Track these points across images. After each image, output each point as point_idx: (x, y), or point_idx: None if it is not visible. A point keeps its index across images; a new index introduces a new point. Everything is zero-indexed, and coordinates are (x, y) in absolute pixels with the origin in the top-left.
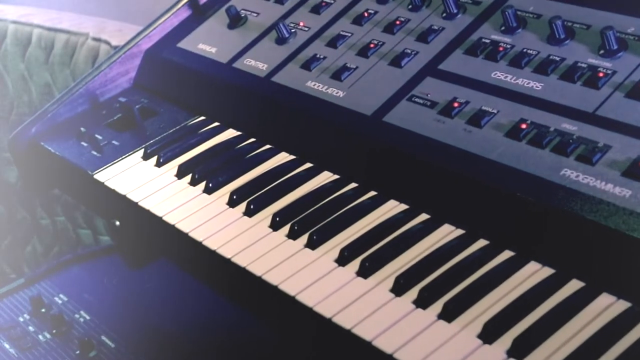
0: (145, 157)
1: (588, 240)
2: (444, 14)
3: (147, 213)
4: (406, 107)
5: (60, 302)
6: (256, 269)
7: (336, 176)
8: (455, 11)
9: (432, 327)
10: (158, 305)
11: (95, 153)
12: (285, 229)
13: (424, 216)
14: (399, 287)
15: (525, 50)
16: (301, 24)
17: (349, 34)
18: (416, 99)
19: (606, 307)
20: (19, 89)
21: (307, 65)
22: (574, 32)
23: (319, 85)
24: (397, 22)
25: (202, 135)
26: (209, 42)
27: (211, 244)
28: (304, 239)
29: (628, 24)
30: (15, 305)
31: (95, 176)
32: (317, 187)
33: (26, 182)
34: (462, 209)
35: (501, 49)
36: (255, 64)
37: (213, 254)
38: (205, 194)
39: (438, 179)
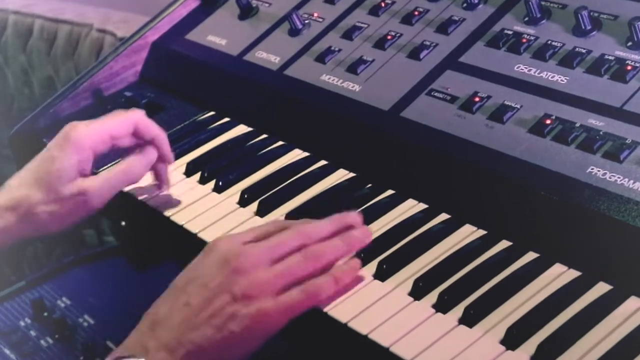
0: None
1: (615, 242)
2: (465, 4)
3: (154, 212)
4: (425, 101)
5: (63, 305)
6: None
7: (352, 174)
8: (476, 1)
9: (453, 333)
10: None
11: None
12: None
13: (444, 216)
14: (418, 290)
15: (549, 42)
16: (315, 14)
17: (365, 25)
18: (435, 93)
19: (635, 310)
20: (20, 82)
21: (321, 58)
22: (600, 23)
23: (333, 79)
24: (416, 13)
25: (212, 131)
26: (219, 34)
27: None
28: None
29: None
30: (16, 309)
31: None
32: (331, 185)
33: None
34: (484, 208)
35: (524, 40)
36: (267, 56)
37: None
38: (215, 193)
39: (458, 177)
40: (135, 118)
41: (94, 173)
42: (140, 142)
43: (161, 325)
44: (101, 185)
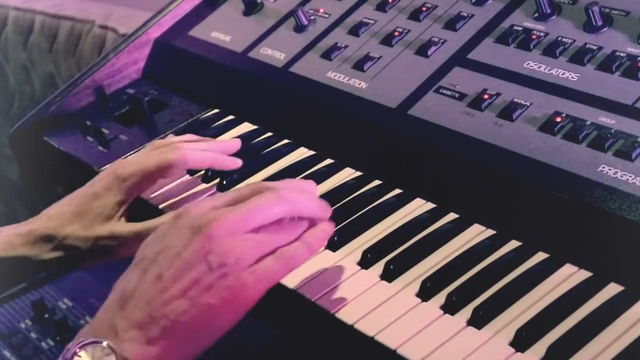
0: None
1: (627, 242)
2: (473, 0)
3: (158, 212)
4: (433, 99)
5: (64, 306)
6: None
7: (358, 173)
8: None
9: (461, 334)
10: None
11: (101, 148)
12: None
13: (452, 216)
14: (426, 291)
15: (560, 38)
16: (321, 10)
17: (372, 21)
18: (444, 91)
19: None
20: (21, 80)
21: (327, 55)
22: (612, 19)
23: (340, 76)
24: (424, 9)
25: (216, 129)
26: (223, 30)
27: None
28: None
29: None
30: (17, 310)
31: None
32: (338, 184)
33: (28, 179)
34: (493, 208)
35: (534, 37)
36: (272, 53)
37: None
38: (219, 192)
39: (467, 176)
40: (182, 157)
41: None
42: None
43: (131, 301)
44: (128, 231)
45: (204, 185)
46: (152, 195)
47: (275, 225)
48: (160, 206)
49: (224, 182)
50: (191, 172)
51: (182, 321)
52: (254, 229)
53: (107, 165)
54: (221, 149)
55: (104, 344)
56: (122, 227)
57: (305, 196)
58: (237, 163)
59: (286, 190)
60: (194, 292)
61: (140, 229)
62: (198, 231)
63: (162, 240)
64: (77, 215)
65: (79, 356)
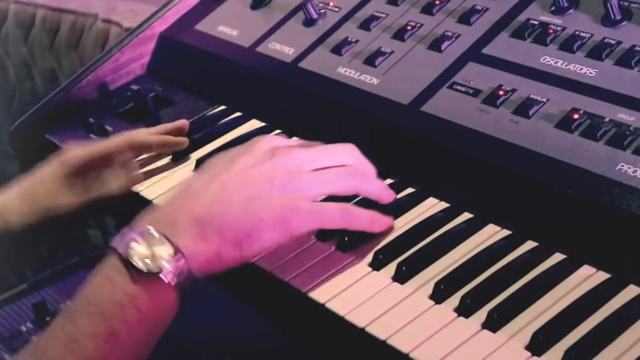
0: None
1: None
2: None
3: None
4: (446, 95)
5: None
6: (282, 274)
7: None
8: None
9: (476, 338)
10: None
11: None
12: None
13: (466, 215)
14: (439, 293)
15: (577, 32)
16: (331, 4)
17: (384, 15)
18: (457, 87)
19: None
20: (21, 75)
21: (337, 50)
22: (631, 12)
23: (350, 72)
24: (437, 2)
25: (223, 126)
26: (230, 24)
27: None
28: (334, 241)
29: None
30: (17, 312)
31: None
32: None
33: None
34: (508, 207)
35: (551, 31)
36: (281, 48)
37: None
38: None
39: (481, 174)
40: (126, 139)
41: None
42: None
43: (195, 199)
44: (76, 201)
45: None
46: (155, 195)
47: (345, 168)
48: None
49: None
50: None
51: (236, 226)
52: (319, 170)
53: None
54: (169, 129)
55: (160, 233)
56: (67, 198)
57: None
58: (184, 143)
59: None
60: (253, 204)
61: (88, 197)
62: (268, 154)
63: (234, 157)
64: (20, 197)
65: (136, 241)
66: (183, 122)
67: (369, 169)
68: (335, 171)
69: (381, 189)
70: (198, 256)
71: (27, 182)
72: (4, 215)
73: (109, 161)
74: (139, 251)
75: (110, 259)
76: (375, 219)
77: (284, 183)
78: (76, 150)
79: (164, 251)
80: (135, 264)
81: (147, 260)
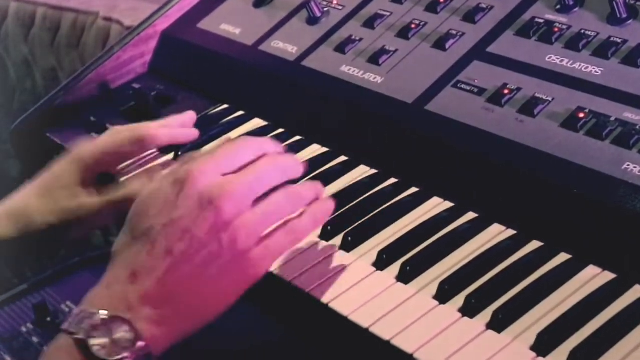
0: (161, 150)
1: None
2: None
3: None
4: (451, 94)
5: (67, 310)
6: (286, 274)
7: (374, 170)
8: None
9: (480, 338)
10: None
11: None
12: (318, 229)
13: (470, 215)
14: (444, 293)
15: (583, 31)
16: (335, 2)
17: (388, 13)
18: (462, 86)
19: None
20: (22, 74)
21: (341, 48)
22: (637, 11)
23: (354, 70)
24: (441, 0)
25: (225, 125)
26: (233, 22)
27: None
28: (337, 240)
29: None
30: (18, 313)
31: None
32: (352, 182)
33: (29, 176)
34: (513, 207)
35: (556, 29)
36: (284, 46)
37: None
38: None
39: (486, 173)
40: (138, 133)
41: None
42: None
43: (142, 275)
44: (100, 202)
45: None
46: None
47: (278, 194)
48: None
49: None
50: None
51: (194, 297)
52: (258, 198)
53: None
54: (177, 123)
55: (119, 318)
56: (90, 199)
57: (287, 159)
58: (194, 134)
59: (282, 160)
60: (206, 269)
61: (111, 198)
62: (207, 205)
63: (167, 209)
64: (39, 195)
65: (94, 327)
66: (191, 114)
67: (270, 146)
68: (276, 200)
69: (318, 186)
70: (158, 339)
71: (43, 180)
72: (26, 215)
73: (124, 155)
74: (98, 339)
75: (62, 341)
76: (315, 212)
77: (232, 235)
78: (88, 146)
79: (124, 338)
80: (94, 352)
81: (106, 348)
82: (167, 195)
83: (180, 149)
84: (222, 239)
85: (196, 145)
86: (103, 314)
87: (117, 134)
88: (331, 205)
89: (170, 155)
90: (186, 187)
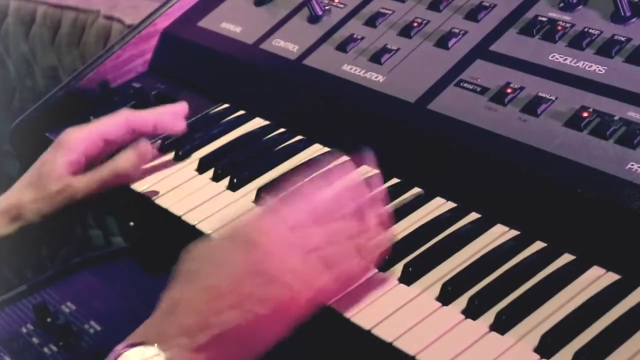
0: (162, 149)
1: None
2: None
3: (165, 212)
4: (454, 93)
5: (67, 310)
6: None
7: (376, 170)
8: None
9: (484, 340)
10: None
11: None
12: None
13: (473, 215)
14: (447, 295)
15: (586, 29)
16: (336, 0)
17: (390, 12)
18: (465, 84)
19: None
20: (22, 73)
21: (342, 47)
22: None
23: (356, 69)
24: None
25: (226, 124)
26: (234, 21)
27: None
28: None
29: None
30: (18, 314)
31: None
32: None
33: None
34: (517, 207)
35: (560, 28)
36: (285, 45)
37: None
38: (229, 191)
39: (489, 173)
40: (124, 117)
41: None
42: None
43: (180, 307)
44: (88, 180)
45: (213, 184)
46: (158, 195)
47: (330, 235)
48: (172, 209)
49: (234, 180)
50: (200, 169)
51: (232, 331)
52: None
53: None
54: (167, 111)
55: (153, 347)
56: (78, 179)
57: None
58: (182, 125)
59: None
60: (246, 304)
61: (99, 176)
62: (252, 244)
63: (219, 255)
64: (29, 183)
65: (126, 357)
66: (183, 105)
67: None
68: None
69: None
70: None
71: (31, 170)
72: (18, 207)
73: (111, 141)
74: None
75: None
76: (370, 261)
77: (277, 273)
78: (74, 131)
79: None
80: None
81: None
82: (220, 243)
83: (180, 149)
84: (265, 275)
85: (196, 145)
86: (133, 341)
87: (103, 119)
88: (386, 244)
89: (171, 155)
90: (238, 235)
